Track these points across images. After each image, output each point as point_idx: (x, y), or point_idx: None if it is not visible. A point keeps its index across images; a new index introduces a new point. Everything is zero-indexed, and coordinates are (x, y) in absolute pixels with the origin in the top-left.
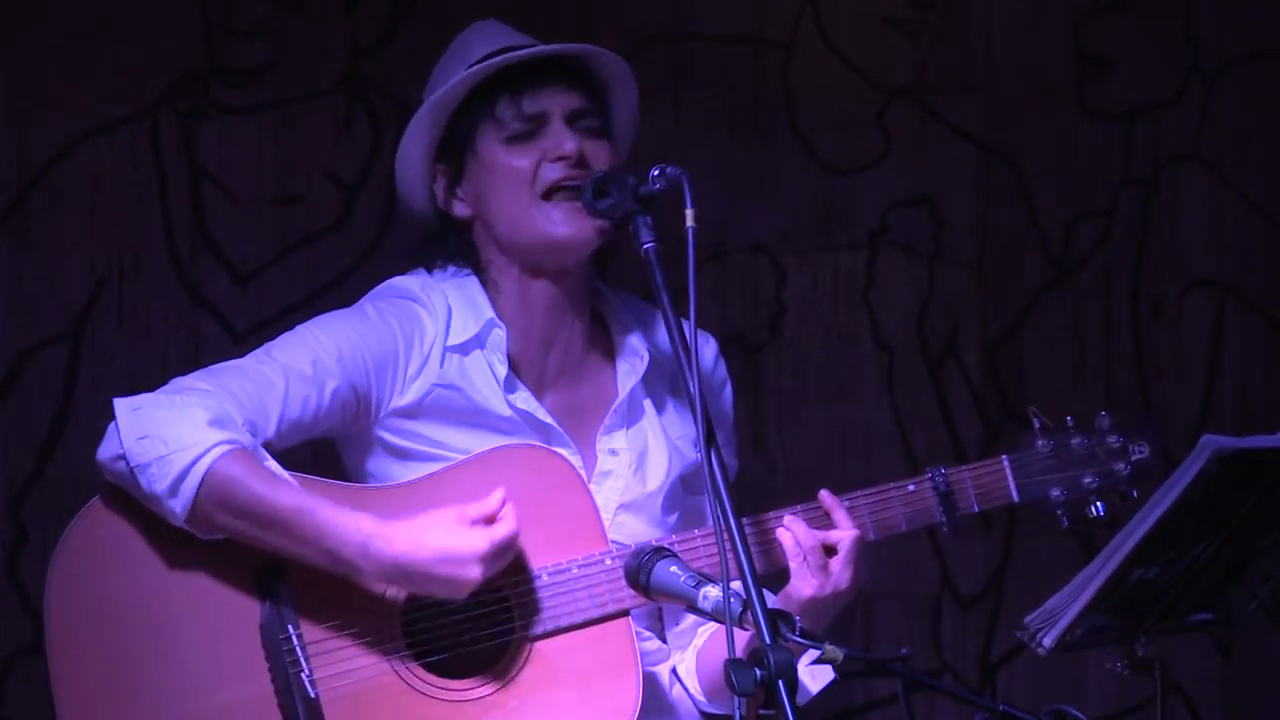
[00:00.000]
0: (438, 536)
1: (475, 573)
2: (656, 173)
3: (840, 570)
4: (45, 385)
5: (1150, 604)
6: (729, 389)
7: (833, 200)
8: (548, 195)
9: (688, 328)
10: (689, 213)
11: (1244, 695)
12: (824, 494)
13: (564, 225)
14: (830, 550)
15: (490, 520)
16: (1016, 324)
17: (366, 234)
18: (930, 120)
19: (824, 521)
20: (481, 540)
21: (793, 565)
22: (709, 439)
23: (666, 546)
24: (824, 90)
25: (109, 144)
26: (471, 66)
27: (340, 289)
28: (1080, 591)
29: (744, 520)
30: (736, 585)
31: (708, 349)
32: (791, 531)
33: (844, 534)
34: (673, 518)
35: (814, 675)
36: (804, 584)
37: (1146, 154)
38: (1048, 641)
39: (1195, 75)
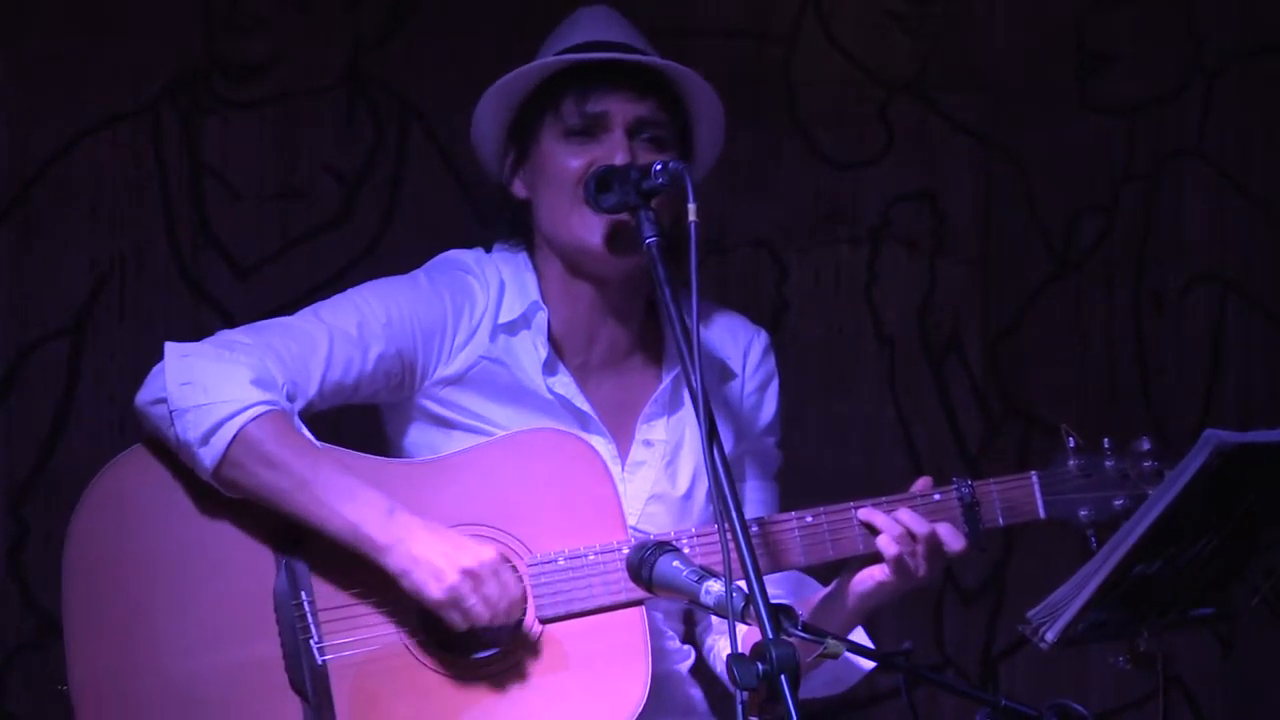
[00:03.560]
0: (453, 535)
1: (451, 576)
2: (659, 167)
3: (932, 565)
4: (47, 381)
5: (1152, 599)
6: (775, 384)
7: (834, 195)
8: (590, 201)
9: (690, 323)
10: (691, 207)
11: (1246, 690)
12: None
13: (599, 235)
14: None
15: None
16: (1018, 319)
17: (368, 229)
18: (932, 115)
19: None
20: (469, 558)
21: (894, 550)
22: (710, 435)
23: (671, 541)
24: (826, 85)
25: (111, 139)
26: (560, 54)
27: (342, 284)
28: (1082, 586)
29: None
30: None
31: (757, 343)
32: (900, 522)
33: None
34: (707, 513)
35: (848, 667)
36: (902, 575)
37: (1148, 149)
38: (1050, 636)
39: (1197, 71)
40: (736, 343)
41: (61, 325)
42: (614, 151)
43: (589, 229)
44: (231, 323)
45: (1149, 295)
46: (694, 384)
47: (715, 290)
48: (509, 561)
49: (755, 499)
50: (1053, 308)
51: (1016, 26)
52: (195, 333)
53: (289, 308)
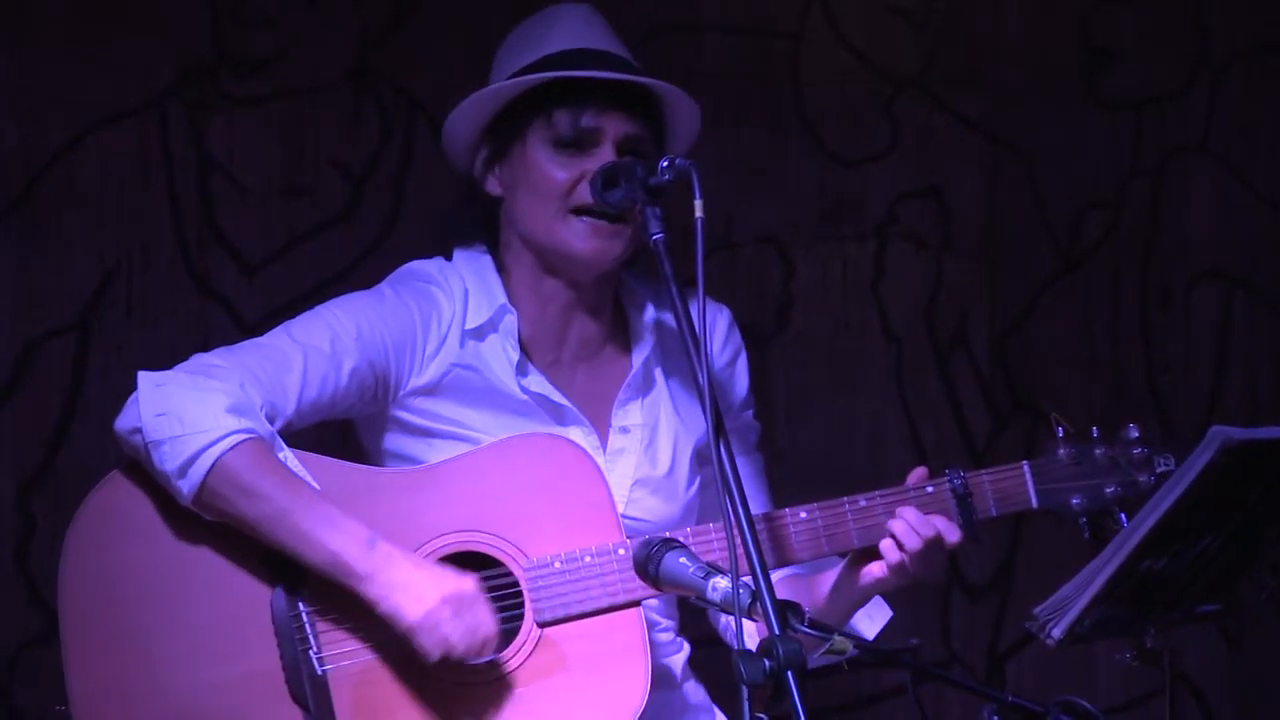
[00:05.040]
0: (435, 566)
1: (431, 600)
2: (665, 164)
3: (930, 559)
4: (54, 376)
5: (1159, 595)
6: (743, 358)
7: (841, 191)
8: (577, 212)
9: (696, 318)
10: (697, 203)
11: (1252, 686)
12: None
13: (585, 241)
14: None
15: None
16: (1025, 315)
17: (374, 226)
18: (938, 111)
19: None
20: (450, 586)
21: (896, 558)
22: (718, 430)
23: (677, 538)
24: (832, 81)
25: (117, 135)
26: (546, 55)
27: (347, 280)
28: (1089, 583)
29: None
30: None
31: (720, 320)
32: (904, 519)
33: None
34: (691, 490)
35: (871, 618)
36: (899, 574)
37: (1154, 145)
38: (1056, 632)
39: (1203, 67)
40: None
41: (68, 321)
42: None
43: (574, 234)
44: (237, 318)
45: (1155, 291)
46: (702, 384)
47: (721, 286)
48: (502, 585)
49: (745, 472)
50: (1059, 304)
51: (1022, 22)
52: (201, 329)
53: (295, 304)
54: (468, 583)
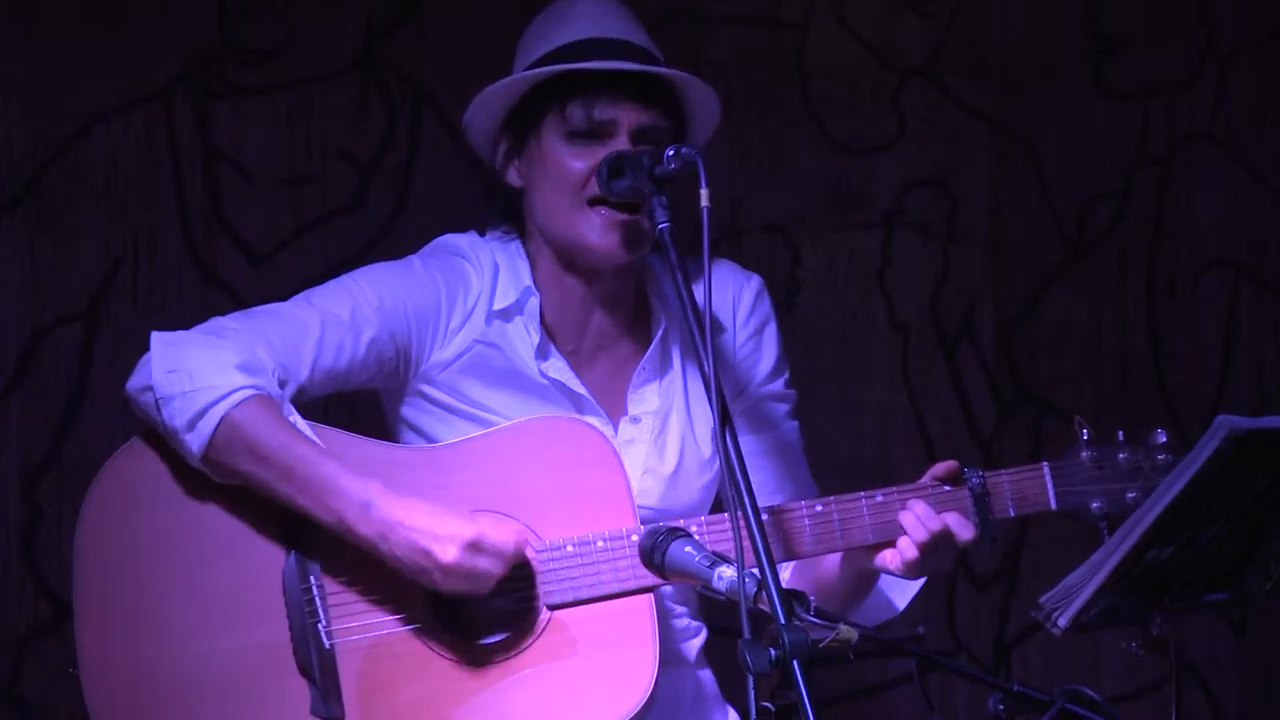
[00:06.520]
0: (435, 513)
1: (450, 554)
2: (671, 153)
3: (942, 555)
4: (60, 366)
5: (1165, 584)
6: (772, 326)
7: (847, 181)
8: (593, 203)
9: (702, 307)
10: (704, 193)
11: (1258, 675)
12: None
13: (601, 235)
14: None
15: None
16: (1031, 305)
17: (381, 214)
18: (945, 101)
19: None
20: (469, 530)
21: (913, 554)
22: (724, 420)
23: (683, 527)
24: (838, 70)
25: (124, 124)
26: (561, 45)
27: (355, 269)
28: (1095, 571)
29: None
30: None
31: (747, 289)
32: (913, 512)
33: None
34: (706, 477)
35: (903, 588)
36: (909, 569)
37: (1161, 135)
38: (1063, 621)
39: (1210, 55)
40: (724, 294)
41: (75, 310)
42: None
43: (591, 228)
44: (244, 308)
45: (1162, 281)
46: (708, 372)
47: None
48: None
49: (776, 445)
50: (1066, 293)
51: (1029, 11)
52: (208, 318)
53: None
54: (472, 522)
